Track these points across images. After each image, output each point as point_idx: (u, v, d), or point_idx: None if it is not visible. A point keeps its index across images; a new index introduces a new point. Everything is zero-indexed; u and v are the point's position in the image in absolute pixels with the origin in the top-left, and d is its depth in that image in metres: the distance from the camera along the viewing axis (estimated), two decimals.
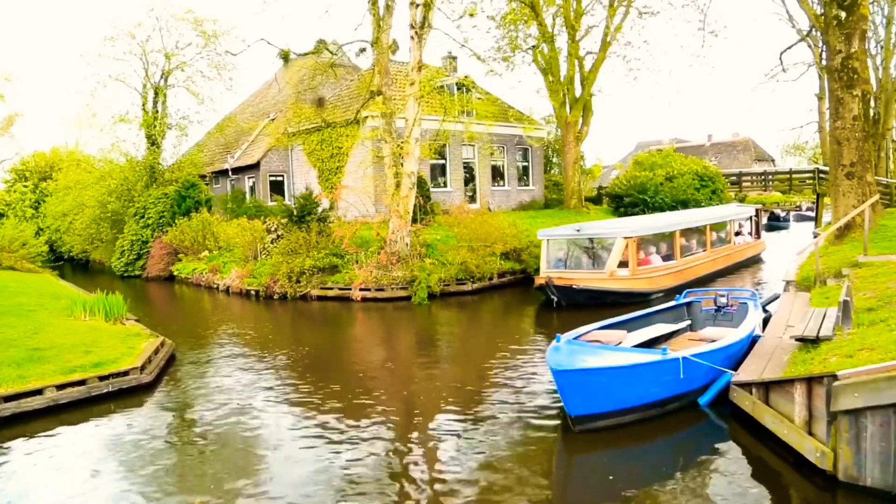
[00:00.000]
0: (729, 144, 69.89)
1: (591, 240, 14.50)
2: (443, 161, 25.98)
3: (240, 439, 6.82)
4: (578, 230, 14.24)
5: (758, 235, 21.19)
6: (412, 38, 16.71)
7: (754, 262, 19.85)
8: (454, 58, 29.85)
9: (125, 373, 8.68)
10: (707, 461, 5.83)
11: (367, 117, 21.39)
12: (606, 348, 7.10)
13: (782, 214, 40.55)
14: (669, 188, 26.40)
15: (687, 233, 16.46)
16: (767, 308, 10.08)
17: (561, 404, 6.61)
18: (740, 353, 7.49)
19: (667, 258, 15.09)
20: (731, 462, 5.75)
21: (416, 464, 6.08)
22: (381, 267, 16.47)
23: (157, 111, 27.24)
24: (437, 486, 5.53)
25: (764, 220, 36.75)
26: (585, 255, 14.56)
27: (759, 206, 22.86)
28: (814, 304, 9.26)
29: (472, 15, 19.67)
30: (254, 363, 10.25)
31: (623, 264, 13.69)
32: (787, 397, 5.69)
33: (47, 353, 9.00)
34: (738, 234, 19.84)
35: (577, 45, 27.38)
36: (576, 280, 13.48)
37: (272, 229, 19.95)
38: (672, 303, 10.08)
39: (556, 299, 13.55)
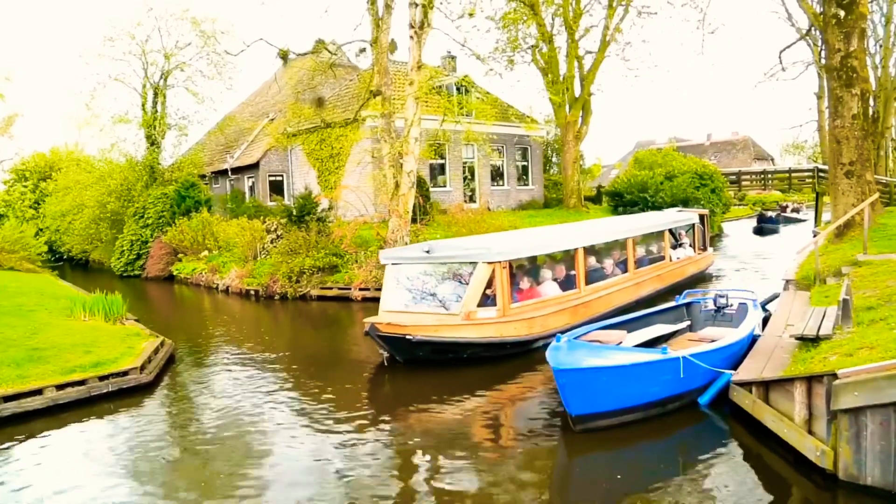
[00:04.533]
0: (728, 143, 69.99)
1: (446, 266, 10.07)
2: (442, 161, 25.99)
3: (239, 439, 6.81)
4: (428, 251, 10.03)
5: (703, 247, 17.09)
6: (411, 37, 16.70)
7: (698, 280, 15.83)
8: (454, 57, 29.88)
9: (125, 373, 8.67)
10: (707, 460, 5.83)
11: (366, 117, 21.38)
12: (607, 348, 7.10)
13: (773, 215, 35.53)
14: (669, 187, 26.44)
15: (597, 250, 12.60)
16: (767, 307, 10.08)
17: (561, 403, 6.61)
18: (740, 353, 7.49)
19: (566, 286, 11.00)
20: (731, 461, 5.75)
21: (415, 463, 6.09)
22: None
23: (156, 111, 27.26)
24: (436, 486, 5.52)
25: (753, 223, 35.37)
26: (439, 287, 10.07)
27: (706, 210, 18.57)
28: (813, 303, 9.26)
29: (471, 15, 19.65)
30: (253, 363, 10.24)
31: (491, 300, 9.65)
32: (787, 396, 5.69)
33: (47, 354, 9.00)
34: (677, 246, 15.84)
35: (576, 44, 27.42)
36: (412, 328, 9.06)
37: (272, 229, 19.95)
38: (672, 303, 10.09)
39: (386, 355, 9.51)
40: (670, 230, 15.31)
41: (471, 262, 9.66)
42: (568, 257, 11.45)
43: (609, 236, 12.97)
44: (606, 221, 16.21)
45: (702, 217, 17.14)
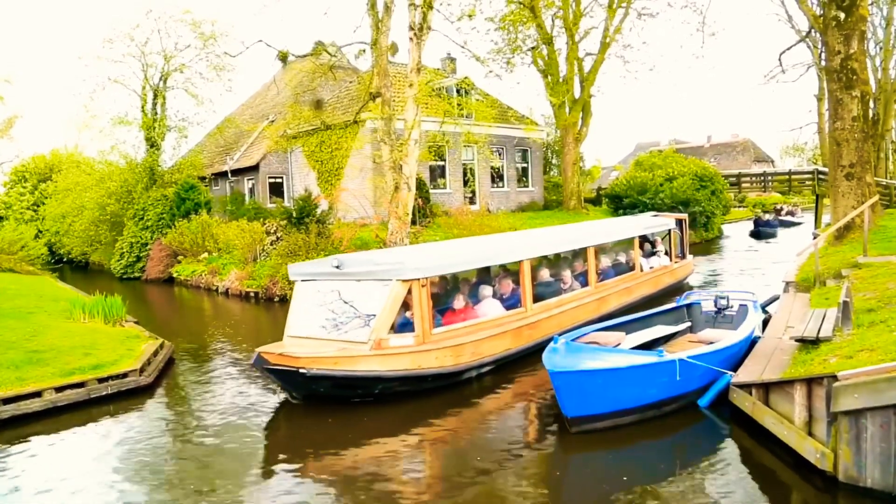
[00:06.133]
0: (728, 145, 70.00)
1: (358, 284, 8.38)
2: (442, 162, 26.00)
3: (238, 442, 6.80)
4: (338, 266, 8.46)
5: (682, 255, 15.51)
6: (411, 39, 16.71)
7: (675, 290, 13.61)
8: (453, 59, 29.93)
9: (124, 375, 8.67)
10: (706, 462, 5.82)
11: (366, 119, 21.39)
12: (603, 350, 7.09)
13: (769, 219, 33.80)
14: (669, 189, 26.45)
15: (548, 261, 11.11)
16: (767, 309, 10.08)
17: (557, 405, 6.60)
18: (739, 355, 7.48)
19: (511, 304, 9.52)
20: (730, 463, 5.74)
21: (412, 466, 6.08)
22: None
23: (156, 113, 27.25)
24: (434, 489, 5.52)
25: (750, 227, 34.79)
26: (349, 309, 8.41)
27: (684, 215, 16.77)
28: (813, 305, 9.26)
29: (471, 17, 19.66)
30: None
31: (407, 325, 8.21)
32: (787, 398, 5.68)
33: (46, 356, 8.99)
34: (651, 254, 14.38)
35: (576, 46, 27.46)
36: (306, 359, 7.34)
37: (271, 231, 19.95)
38: (672, 305, 10.08)
39: (279, 390, 8.25)
40: (642, 237, 13.72)
41: (383, 280, 8.13)
42: (510, 271, 10.04)
43: (564, 246, 11.37)
44: (566, 228, 14.39)
45: (679, 222, 15.55)
